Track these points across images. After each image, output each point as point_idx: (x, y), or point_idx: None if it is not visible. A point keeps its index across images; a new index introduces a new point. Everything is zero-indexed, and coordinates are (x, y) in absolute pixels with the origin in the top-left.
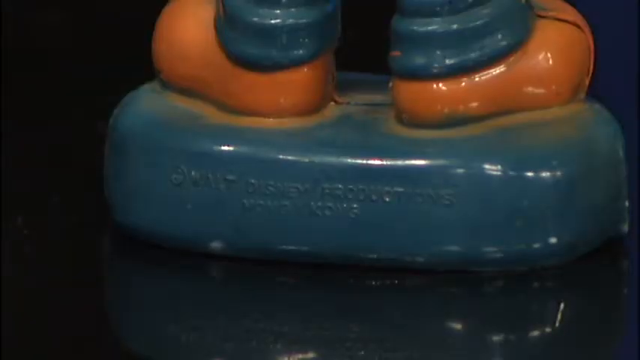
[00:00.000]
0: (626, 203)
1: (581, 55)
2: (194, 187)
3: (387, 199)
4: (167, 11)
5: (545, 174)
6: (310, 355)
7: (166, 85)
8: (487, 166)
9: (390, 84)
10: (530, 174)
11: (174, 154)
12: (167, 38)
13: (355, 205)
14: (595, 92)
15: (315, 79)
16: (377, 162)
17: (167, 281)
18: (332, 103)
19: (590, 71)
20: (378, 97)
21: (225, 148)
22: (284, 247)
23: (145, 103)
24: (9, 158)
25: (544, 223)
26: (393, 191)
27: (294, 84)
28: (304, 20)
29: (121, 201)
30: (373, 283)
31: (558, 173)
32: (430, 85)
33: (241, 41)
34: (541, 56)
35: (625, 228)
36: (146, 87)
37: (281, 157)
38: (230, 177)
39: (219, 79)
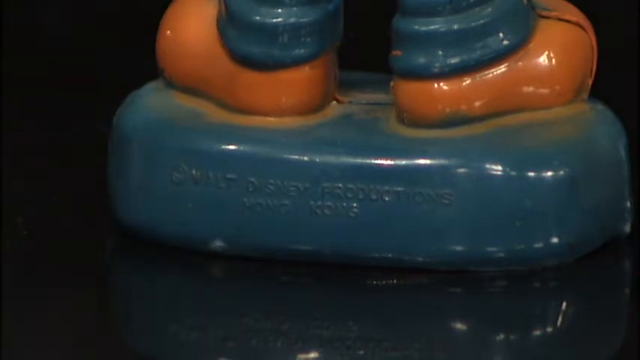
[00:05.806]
0: (628, 203)
1: (583, 56)
2: (195, 185)
3: (387, 199)
4: (171, 10)
5: (546, 174)
6: (310, 354)
7: (169, 84)
8: (488, 166)
9: (392, 83)
10: (531, 174)
11: (176, 152)
12: (170, 37)
13: (355, 205)
14: (598, 92)
15: (316, 79)
16: (377, 161)
17: (168, 280)
18: (334, 102)
19: (594, 72)
20: (379, 97)
21: (226, 146)
22: (284, 245)
23: (148, 102)
24: (9, 158)
25: (545, 223)
26: (393, 190)
27: (296, 83)
28: (306, 19)
29: (122, 199)
30: (373, 283)
31: (560, 173)
32: (431, 84)
33: (243, 40)
34: (543, 56)
35: (627, 228)
36: (150, 85)
37: (281, 156)
38: (231, 176)
39: (222, 78)
